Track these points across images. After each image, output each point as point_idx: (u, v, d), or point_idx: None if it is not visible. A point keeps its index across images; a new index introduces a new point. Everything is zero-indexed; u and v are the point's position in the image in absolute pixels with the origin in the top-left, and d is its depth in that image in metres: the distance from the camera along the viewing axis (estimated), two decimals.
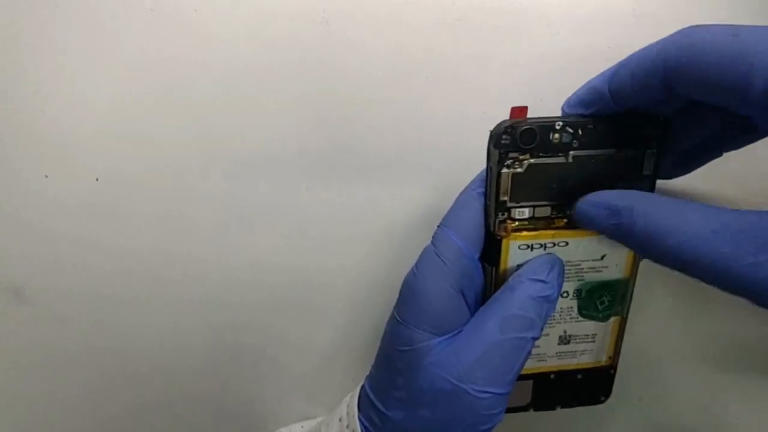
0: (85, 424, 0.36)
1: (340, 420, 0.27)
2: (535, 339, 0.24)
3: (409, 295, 0.26)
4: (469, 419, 0.24)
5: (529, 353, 0.24)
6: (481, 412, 0.23)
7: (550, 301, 0.25)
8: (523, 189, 0.25)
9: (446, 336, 0.25)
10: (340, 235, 0.34)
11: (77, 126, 0.33)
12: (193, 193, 0.34)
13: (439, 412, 0.24)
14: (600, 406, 0.37)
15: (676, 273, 0.36)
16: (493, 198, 0.25)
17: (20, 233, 0.33)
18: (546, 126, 0.24)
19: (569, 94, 0.26)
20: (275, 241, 0.34)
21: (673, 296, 0.35)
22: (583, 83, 0.25)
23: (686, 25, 0.22)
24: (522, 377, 0.28)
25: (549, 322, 0.27)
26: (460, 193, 0.27)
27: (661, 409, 0.36)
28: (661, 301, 0.35)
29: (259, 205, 0.34)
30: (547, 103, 0.28)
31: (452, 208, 0.26)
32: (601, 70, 0.33)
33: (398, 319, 0.26)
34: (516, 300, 0.24)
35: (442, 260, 0.25)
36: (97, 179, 0.33)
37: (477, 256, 0.25)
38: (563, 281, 0.26)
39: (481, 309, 0.25)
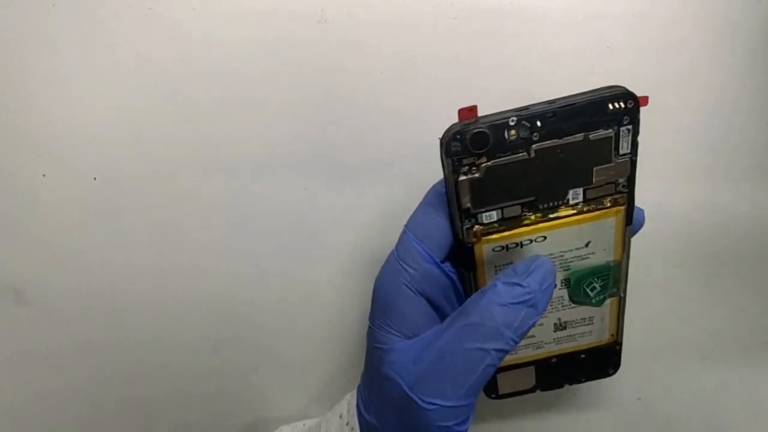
0: (85, 422, 0.36)
1: (340, 417, 0.27)
2: (502, 351, 0.22)
3: (374, 296, 0.25)
4: (424, 429, 0.22)
5: (494, 366, 0.22)
6: (432, 423, 0.22)
7: (530, 306, 0.22)
8: (485, 193, 0.23)
9: (411, 339, 0.24)
10: (340, 235, 0.34)
11: (75, 125, 0.33)
12: (190, 191, 0.33)
13: (400, 419, 0.23)
14: (599, 405, 0.37)
15: (673, 274, 0.36)
16: (455, 206, 0.23)
17: (19, 233, 0.33)
18: (498, 125, 0.22)
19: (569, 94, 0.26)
20: (273, 240, 0.34)
21: (670, 294, 0.35)
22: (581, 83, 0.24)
23: (686, 26, 0.21)
24: (522, 365, 0.28)
25: None
26: (427, 192, 0.25)
27: (659, 407, 0.37)
28: (658, 299, 0.35)
29: (257, 204, 0.34)
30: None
31: (416, 208, 0.25)
32: (600, 70, 0.33)
33: (369, 320, 0.25)
34: (481, 306, 0.22)
35: (401, 264, 0.24)
36: (94, 178, 0.33)
37: (440, 258, 0.24)
38: (552, 283, 0.23)
39: (453, 314, 0.24)
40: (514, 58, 0.32)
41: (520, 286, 0.22)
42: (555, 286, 0.25)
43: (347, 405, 0.27)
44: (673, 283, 0.35)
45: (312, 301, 0.35)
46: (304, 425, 0.32)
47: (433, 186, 0.25)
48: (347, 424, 0.26)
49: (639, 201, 0.24)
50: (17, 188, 0.33)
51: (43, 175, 0.33)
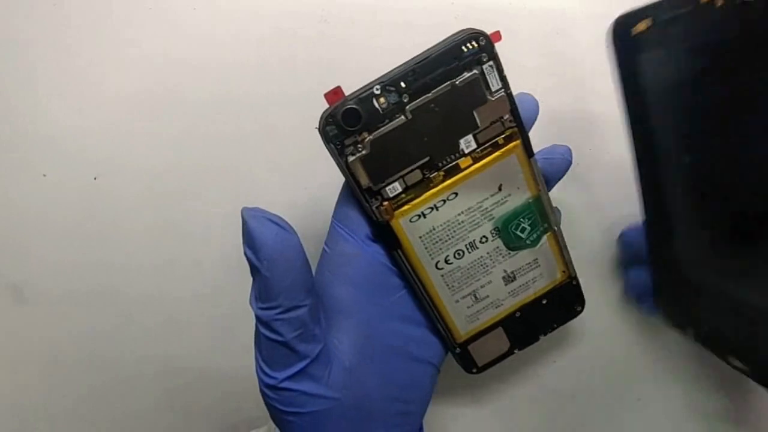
0: (84, 423, 0.36)
1: None
2: (265, 326, 0.24)
3: None
4: None
5: (270, 338, 0.25)
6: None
7: (255, 272, 0.23)
8: (380, 167, 0.24)
9: None
10: None
11: (75, 125, 0.33)
12: (190, 191, 0.34)
13: None
14: (598, 407, 0.37)
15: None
16: (357, 189, 0.24)
17: (19, 232, 0.33)
18: (365, 97, 0.23)
19: (569, 93, 0.26)
20: None
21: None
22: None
23: None
24: (488, 329, 0.28)
25: (484, 267, 0.26)
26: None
27: (659, 408, 0.37)
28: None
29: (257, 204, 0.34)
30: (547, 101, 0.28)
31: (338, 197, 0.26)
32: (600, 71, 0.33)
33: None
34: None
35: (325, 248, 0.26)
36: (95, 178, 0.33)
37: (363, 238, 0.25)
38: (256, 238, 0.23)
39: None
40: (514, 57, 0.32)
41: (246, 256, 0.23)
42: (486, 239, 0.26)
43: None
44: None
45: None
46: None
47: None
48: None
49: None
50: (17, 188, 0.33)
51: (44, 175, 0.33)
